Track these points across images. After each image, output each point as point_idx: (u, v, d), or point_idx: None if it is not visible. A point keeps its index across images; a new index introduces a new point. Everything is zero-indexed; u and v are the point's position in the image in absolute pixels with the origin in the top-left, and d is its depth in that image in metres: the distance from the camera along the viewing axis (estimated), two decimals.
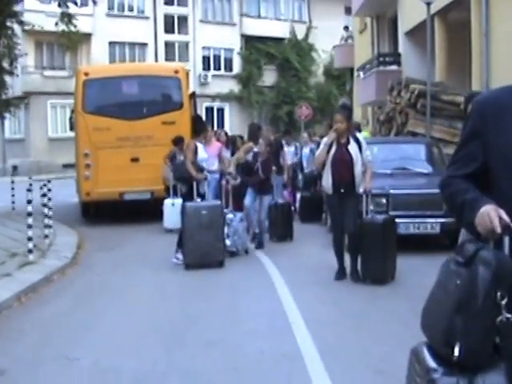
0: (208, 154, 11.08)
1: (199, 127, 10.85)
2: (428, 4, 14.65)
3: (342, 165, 8.23)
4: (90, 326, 6.68)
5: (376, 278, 8.13)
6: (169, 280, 8.93)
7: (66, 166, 31.00)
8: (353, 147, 8.31)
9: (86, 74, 14.63)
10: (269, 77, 39.61)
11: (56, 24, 18.12)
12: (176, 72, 15.10)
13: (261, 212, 11.05)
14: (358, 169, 8.28)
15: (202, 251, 9.41)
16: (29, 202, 9.89)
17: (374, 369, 5.14)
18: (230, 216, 10.36)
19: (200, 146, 10.33)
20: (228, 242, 10.16)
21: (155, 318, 6.93)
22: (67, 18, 17.92)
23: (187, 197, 10.03)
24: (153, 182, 13.98)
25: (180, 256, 9.83)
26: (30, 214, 9.80)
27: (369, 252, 8.19)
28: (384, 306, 7.20)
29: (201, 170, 10.20)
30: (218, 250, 9.56)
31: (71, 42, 18.65)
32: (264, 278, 8.72)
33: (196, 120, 12.08)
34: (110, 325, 6.75)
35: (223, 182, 11.72)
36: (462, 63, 16.85)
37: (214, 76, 38.61)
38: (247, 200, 11.01)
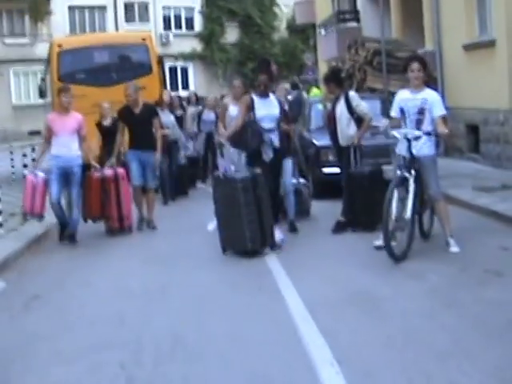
0: (60, 132, 9.71)
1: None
2: None
3: (331, 122, 9.45)
4: (99, 260, 8.62)
5: (366, 225, 9.09)
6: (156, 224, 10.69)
7: (32, 134, 32.26)
8: (340, 105, 9.22)
9: (60, 46, 16.18)
10: (231, 34, 40.59)
11: None
12: (144, 39, 16.84)
13: (285, 182, 9.55)
14: (341, 126, 9.24)
15: (231, 235, 8.23)
16: (25, 166, 11.64)
17: (329, 279, 6.99)
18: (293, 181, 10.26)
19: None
20: None
21: (152, 252, 8.95)
22: None
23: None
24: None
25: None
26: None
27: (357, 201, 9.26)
28: (346, 240, 8.96)
29: None
30: (245, 237, 8.00)
31: (39, 14, 19.95)
32: None
33: None
34: (115, 258, 8.74)
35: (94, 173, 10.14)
36: (416, 21, 18.10)
37: (175, 35, 39.62)
38: None
